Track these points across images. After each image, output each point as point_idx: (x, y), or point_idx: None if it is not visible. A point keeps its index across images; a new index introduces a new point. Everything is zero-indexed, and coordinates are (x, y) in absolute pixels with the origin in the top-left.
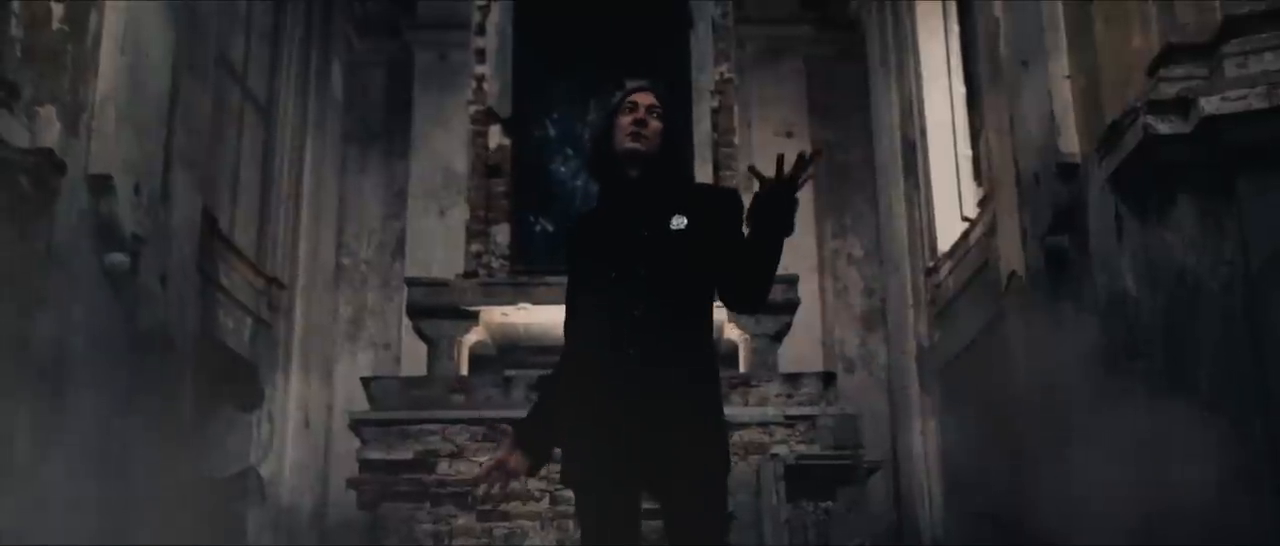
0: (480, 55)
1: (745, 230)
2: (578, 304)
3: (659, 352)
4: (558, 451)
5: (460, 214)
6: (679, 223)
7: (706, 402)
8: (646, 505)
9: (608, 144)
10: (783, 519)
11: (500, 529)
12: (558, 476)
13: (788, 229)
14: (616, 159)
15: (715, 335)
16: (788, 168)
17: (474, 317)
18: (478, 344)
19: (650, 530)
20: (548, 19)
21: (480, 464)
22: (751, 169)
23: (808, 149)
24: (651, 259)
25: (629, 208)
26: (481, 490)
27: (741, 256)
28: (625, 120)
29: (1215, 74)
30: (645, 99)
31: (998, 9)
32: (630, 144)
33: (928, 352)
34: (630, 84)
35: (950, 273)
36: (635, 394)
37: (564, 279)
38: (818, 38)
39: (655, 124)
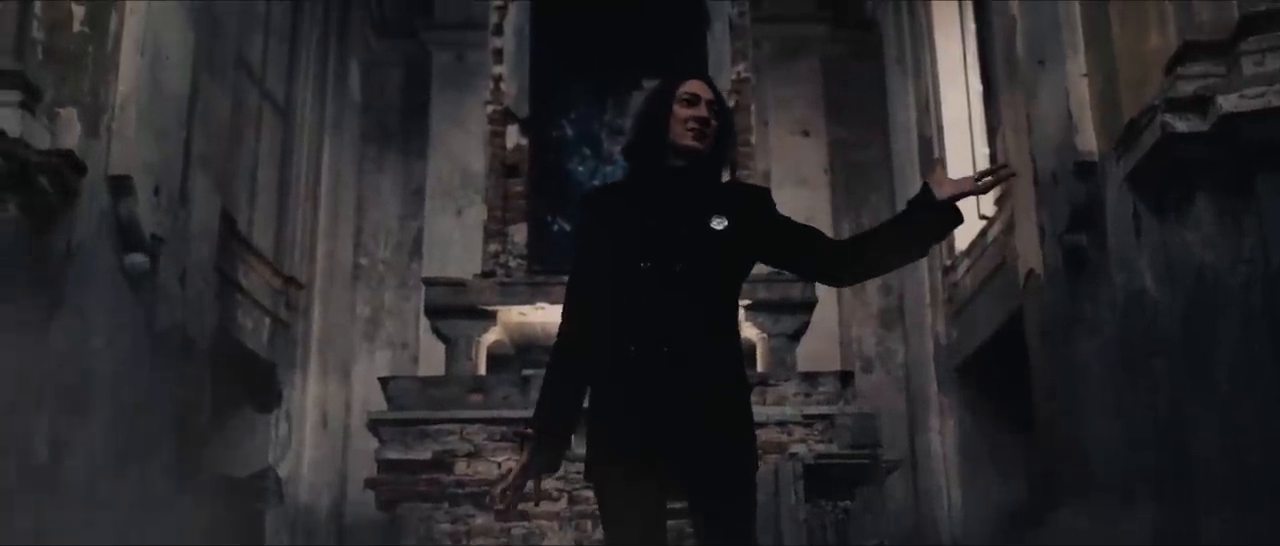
0: (498, 55)
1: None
2: (595, 284)
3: (695, 351)
4: (575, 450)
5: (478, 214)
6: (719, 223)
7: (740, 402)
8: (671, 504)
9: (661, 133)
10: (801, 518)
11: (519, 529)
12: (576, 476)
13: (939, 237)
14: (668, 150)
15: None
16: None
17: (492, 317)
18: (495, 343)
19: (671, 529)
20: (565, 19)
21: (499, 464)
22: (938, 160)
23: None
24: (690, 257)
25: (667, 200)
26: (498, 491)
27: (873, 238)
28: (687, 113)
29: (1233, 72)
30: (707, 94)
31: (1014, 7)
32: (693, 142)
33: (945, 351)
34: (671, 78)
35: (968, 271)
36: (671, 391)
37: None
38: (834, 37)
39: (715, 123)
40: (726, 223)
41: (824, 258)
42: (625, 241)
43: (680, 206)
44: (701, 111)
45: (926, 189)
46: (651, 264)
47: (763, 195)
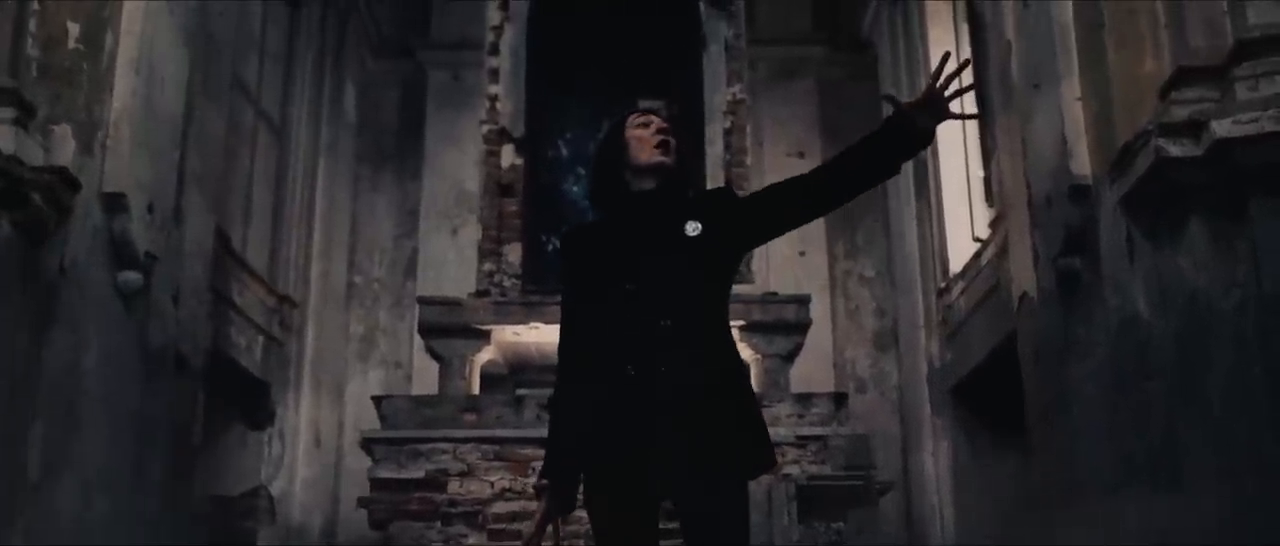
0: (493, 75)
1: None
2: (585, 320)
3: (691, 362)
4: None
5: (472, 233)
6: (694, 229)
7: (745, 403)
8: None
9: (622, 166)
10: (794, 539)
11: None
12: None
13: (910, 157)
14: (634, 173)
15: None
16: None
17: (486, 337)
18: (489, 363)
19: None
20: (561, 39)
21: (492, 483)
22: (889, 96)
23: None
24: (670, 268)
25: (638, 220)
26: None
27: (846, 162)
28: (644, 133)
29: (1227, 97)
30: (657, 116)
31: (1010, 31)
32: (659, 157)
33: (939, 373)
34: (642, 104)
35: (962, 293)
36: (672, 404)
37: None
38: (830, 59)
39: (674, 139)
40: (700, 226)
41: (803, 199)
42: (606, 269)
43: (653, 224)
44: (659, 124)
45: (902, 114)
46: (635, 285)
47: (724, 190)
